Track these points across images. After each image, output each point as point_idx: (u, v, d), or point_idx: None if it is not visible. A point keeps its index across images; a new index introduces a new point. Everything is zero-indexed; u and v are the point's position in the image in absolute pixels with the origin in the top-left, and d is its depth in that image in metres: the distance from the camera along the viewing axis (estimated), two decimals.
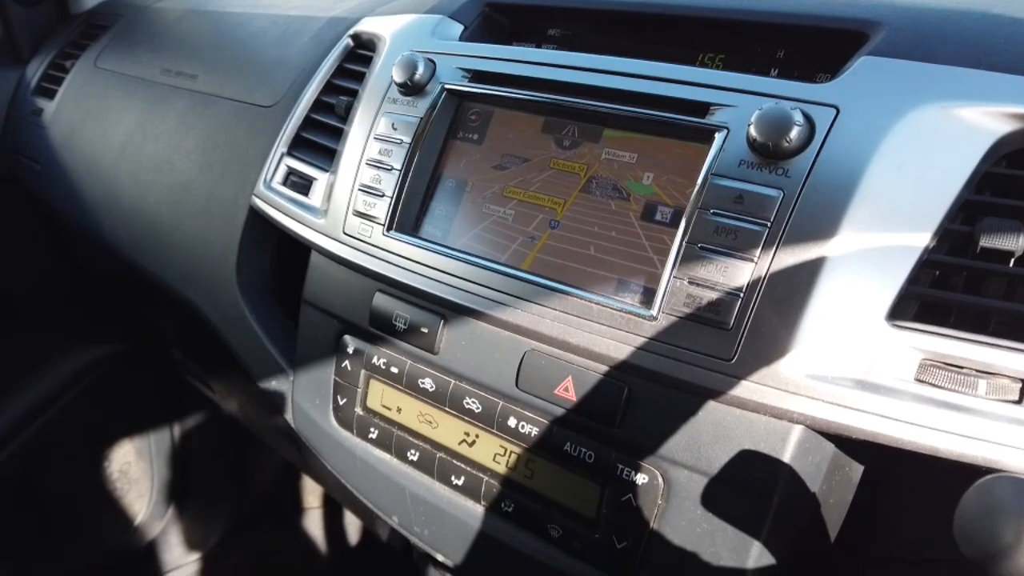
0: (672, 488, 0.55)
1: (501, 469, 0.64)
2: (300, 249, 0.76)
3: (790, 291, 0.49)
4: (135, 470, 1.68)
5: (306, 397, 0.77)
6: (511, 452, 0.63)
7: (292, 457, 1.13)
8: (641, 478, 0.56)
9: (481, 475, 0.65)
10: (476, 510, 0.65)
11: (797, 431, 0.50)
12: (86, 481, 1.59)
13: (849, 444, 0.51)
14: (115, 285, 1.37)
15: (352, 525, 1.81)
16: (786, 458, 0.50)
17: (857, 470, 0.56)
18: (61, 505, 1.55)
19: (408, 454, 0.69)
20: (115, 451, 1.63)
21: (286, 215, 0.77)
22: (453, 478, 0.66)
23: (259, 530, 1.81)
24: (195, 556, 1.77)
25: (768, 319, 0.49)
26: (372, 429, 0.71)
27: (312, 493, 1.86)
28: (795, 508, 0.53)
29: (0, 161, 1.27)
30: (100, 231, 1.04)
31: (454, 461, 0.66)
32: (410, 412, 0.69)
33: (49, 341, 1.49)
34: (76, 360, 1.52)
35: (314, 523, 1.82)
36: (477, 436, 0.65)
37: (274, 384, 0.83)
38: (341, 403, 0.73)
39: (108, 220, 1.03)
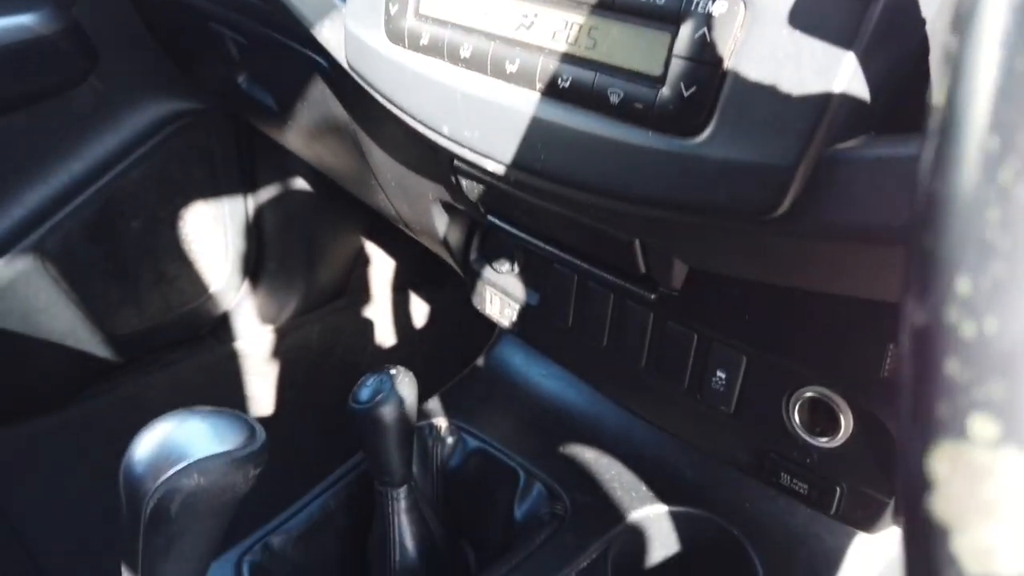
0: (754, 10, 0.48)
1: (560, 46, 0.58)
2: None
3: None
4: (211, 237, 1.71)
5: (359, 20, 0.72)
6: (572, 24, 0.57)
7: (350, 170, 1.09)
8: (719, 7, 0.49)
9: (537, 56, 0.59)
10: (531, 96, 0.60)
11: None
12: (163, 239, 1.63)
13: None
14: (184, 27, 1.35)
15: (419, 311, 1.82)
16: None
17: None
18: (137, 258, 1.60)
19: (460, 52, 0.63)
20: (191, 213, 1.66)
21: None
22: (507, 65, 0.60)
23: (330, 311, 1.84)
24: (268, 328, 1.81)
25: None
26: (423, 35, 0.66)
27: (382, 280, 1.87)
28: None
29: None
30: None
31: (509, 48, 0.60)
32: (463, 6, 0.63)
33: (124, 92, 1.50)
34: (153, 112, 1.53)
35: (383, 307, 1.84)
36: (536, 15, 0.59)
37: (327, 25, 0.78)
38: (393, 13, 0.68)
39: None
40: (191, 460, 0.47)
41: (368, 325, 1.84)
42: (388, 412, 0.69)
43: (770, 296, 0.56)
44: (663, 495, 0.75)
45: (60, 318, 1.49)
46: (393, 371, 0.72)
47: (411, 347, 1.79)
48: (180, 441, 0.48)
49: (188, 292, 1.71)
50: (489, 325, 0.99)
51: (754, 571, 0.70)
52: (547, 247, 0.71)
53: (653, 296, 0.63)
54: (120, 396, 1.57)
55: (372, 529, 0.75)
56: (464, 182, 0.70)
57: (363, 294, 1.89)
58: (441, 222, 0.87)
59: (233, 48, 1.19)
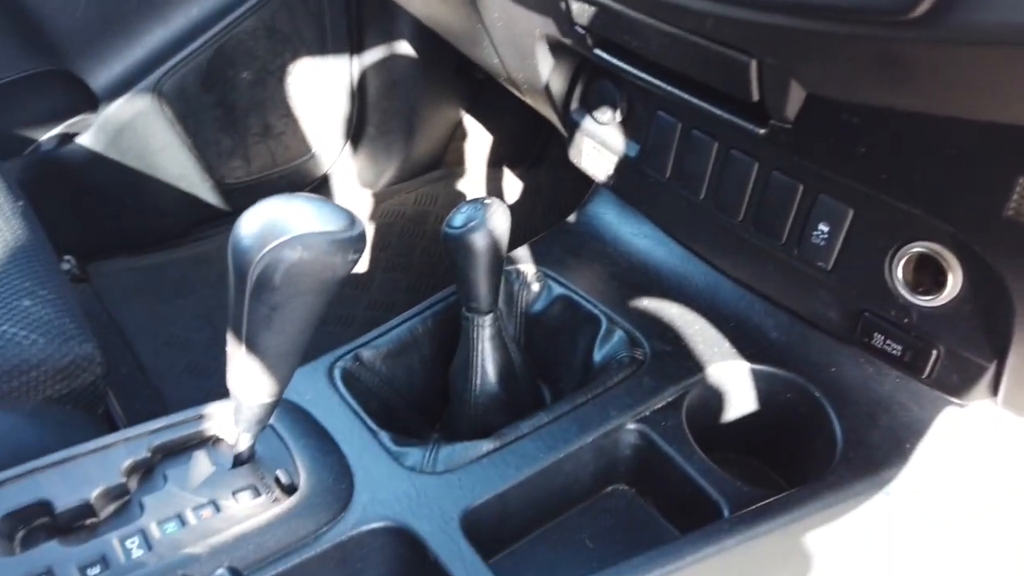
0: None
1: None
2: None
3: None
4: (317, 96, 1.74)
5: None
6: None
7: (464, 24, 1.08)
8: None
9: None
10: None
11: None
12: (271, 92, 1.67)
13: None
14: None
15: (512, 187, 1.82)
16: None
17: None
18: (246, 110, 1.65)
19: None
20: (299, 69, 1.68)
21: None
22: None
23: (426, 180, 1.87)
24: (366, 192, 1.85)
25: None
26: None
27: (478, 155, 1.88)
28: None
29: None
30: None
31: None
32: None
33: None
34: None
35: (477, 181, 1.85)
36: None
37: None
38: None
39: None
40: (295, 234, 0.50)
41: (461, 197, 1.85)
42: (479, 239, 0.70)
43: (889, 128, 0.52)
44: (745, 353, 0.75)
45: (175, 161, 1.57)
46: (488, 201, 0.73)
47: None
48: (286, 218, 0.51)
49: (293, 149, 1.76)
50: (582, 197, 0.98)
51: (832, 436, 0.70)
52: (655, 81, 0.69)
53: (763, 131, 0.60)
54: (225, 242, 1.65)
55: (456, 354, 0.78)
56: (574, 5, 0.67)
57: (459, 167, 1.90)
58: (545, 65, 0.86)
59: None
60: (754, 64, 0.54)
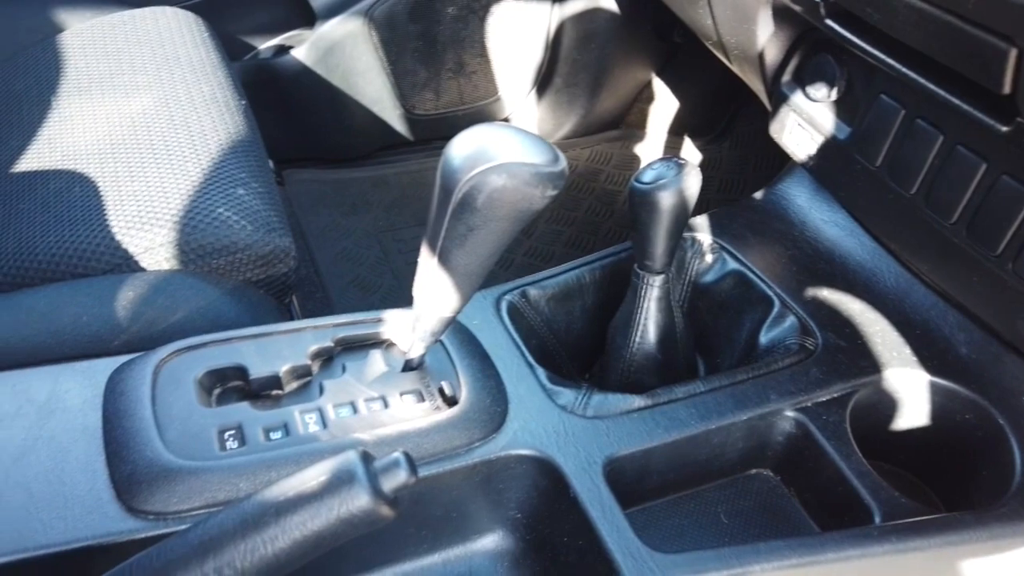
0: None
1: None
2: None
3: None
4: (512, 40, 1.76)
5: None
6: None
7: None
8: None
9: None
10: None
11: None
12: (471, 30, 1.71)
13: None
14: None
15: (690, 158, 1.78)
16: None
17: None
18: (445, 44, 1.70)
19: None
20: (500, 10, 1.71)
21: None
22: None
23: (603, 139, 1.86)
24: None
25: None
26: None
27: (661, 120, 1.84)
28: None
29: None
30: None
31: None
32: None
33: None
34: None
35: (655, 147, 1.82)
36: None
37: None
38: None
39: None
40: (502, 162, 0.51)
41: (636, 161, 1.83)
42: (665, 197, 0.69)
43: None
44: (928, 364, 0.70)
45: (372, 85, 1.65)
46: (681, 162, 0.72)
47: None
48: (496, 145, 0.52)
49: (481, 89, 1.80)
50: (763, 178, 0.94)
51: (1008, 466, 0.65)
52: (888, 59, 0.65)
53: (1005, 129, 0.56)
54: (408, 169, 1.73)
55: (620, 309, 0.78)
56: None
57: (639, 130, 1.88)
58: (764, 32, 0.82)
59: None
60: (1014, 53, 0.49)
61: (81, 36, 1.11)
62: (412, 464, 0.42)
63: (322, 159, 1.70)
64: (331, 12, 1.58)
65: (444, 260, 0.56)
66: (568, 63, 1.79)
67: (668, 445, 0.64)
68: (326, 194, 1.64)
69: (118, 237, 0.79)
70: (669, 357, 0.77)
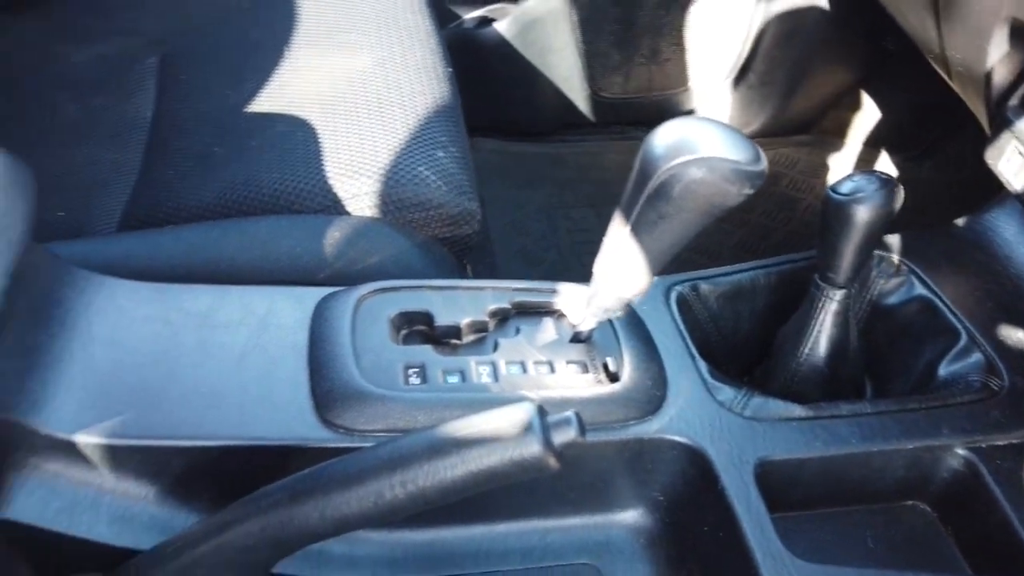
0: None
1: None
2: None
3: None
4: (713, 31, 1.73)
5: None
6: None
7: None
8: None
9: None
10: None
11: None
12: (671, 19, 1.70)
13: None
14: None
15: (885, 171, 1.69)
16: None
17: None
18: (643, 30, 1.70)
19: None
20: (706, 1, 1.69)
21: None
22: None
23: (791, 142, 1.80)
24: None
25: None
26: None
27: (858, 130, 1.76)
28: None
29: None
30: None
31: None
32: None
33: None
34: None
35: (847, 157, 1.74)
36: None
37: None
38: None
39: None
40: (703, 156, 0.53)
41: (823, 169, 1.76)
42: (863, 211, 0.68)
43: None
44: None
45: (565, 63, 1.69)
46: (885, 177, 0.70)
47: None
48: (699, 138, 0.54)
49: (671, 78, 1.79)
50: (962, 206, 0.89)
51: None
52: None
53: None
54: (587, 150, 1.76)
55: (794, 317, 0.77)
56: None
57: (832, 137, 1.80)
58: (996, 51, 0.77)
59: None
60: None
61: (295, 2, 1.21)
62: (582, 425, 0.45)
63: (506, 131, 1.76)
64: None
65: (631, 243, 0.58)
66: (766, 60, 1.74)
67: (824, 459, 0.64)
68: (506, 165, 1.70)
69: (331, 182, 0.88)
70: (837, 373, 0.76)
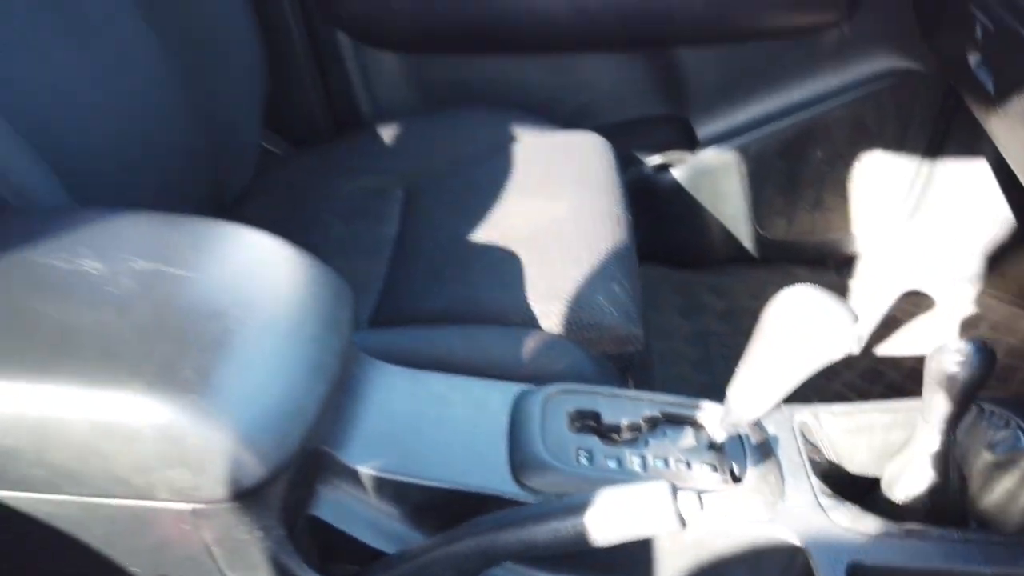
0: None
1: None
2: None
3: None
4: (880, 185, 1.88)
5: None
6: None
7: None
8: None
9: None
10: None
11: None
12: (835, 173, 1.87)
13: None
14: None
15: None
16: None
17: None
18: (809, 181, 1.88)
19: None
20: (869, 158, 1.85)
21: None
22: None
23: None
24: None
25: None
26: None
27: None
28: None
29: None
30: None
31: None
32: None
33: (864, 41, 1.72)
34: (878, 64, 1.73)
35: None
36: None
37: None
38: None
39: None
40: (817, 314, 0.73)
41: (981, 320, 1.82)
42: (956, 374, 0.82)
43: None
44: None
45: (732, 205, 1.90)
46: (981, 345, 0.84)
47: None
48: (810, 303, 0.74)
49: (833, 224, 1.95)
50: None
51: None
52: None
53: None
54: (747, 283, 1.93)
55: (902, 452, 0.91)
56: None
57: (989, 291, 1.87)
58: None
59: (979, 30, 1.30)
60: None
61: (526, 147, 1.53)
62: (701, 502, 0.65)
63: (675, 260, 1.98)
64: (711, 142, 1.87)
65: (756, 375, 0.78)
66: (930, 211, 1.86)
67: (907, 570, 0.78)
68: (671, 292, 1.92)
69: (529, 302, 1.14)
70: (936, 507, 0.88)
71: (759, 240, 1.96)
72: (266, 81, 1.57)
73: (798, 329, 0.73)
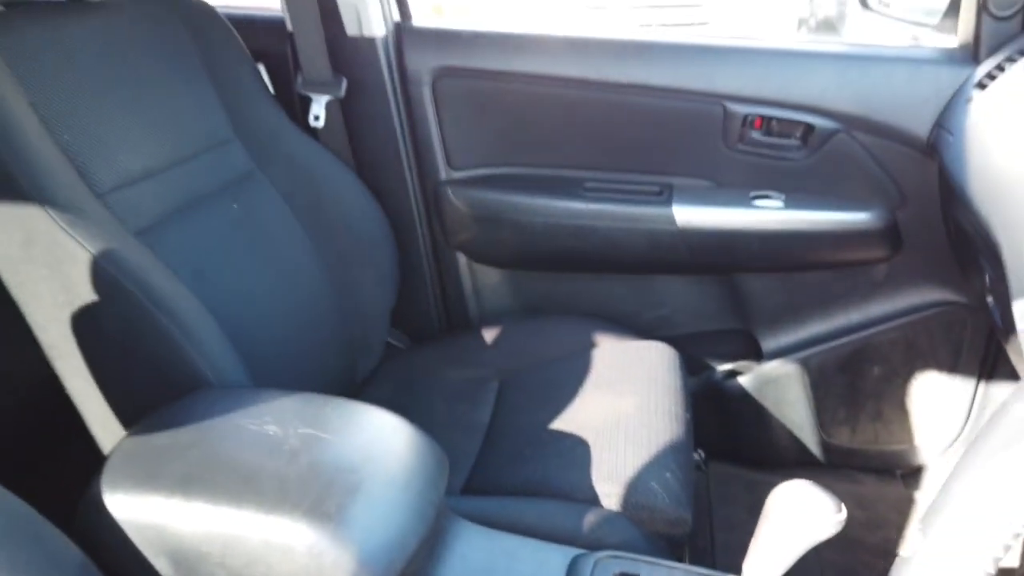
0: None
1: None
2: None
3: None
4: (933, 401, 2.01)
5: None
6: None
7: None
8: None
9: None
10: None
11: None
12: (892, 387, 2.03)
13: None
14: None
15: None
16: None
17: None
18: (867, 394, 2.04)
19: None
20: (924, 377, 2.01)
21: None
22: None
23: None
24: None
25: None
26: None
27: None
28: None
29: (934, 133, 1.74)
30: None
31: None
32: None
33: (911, 271, 1.94)
34: (926, 294, 1.94)
35: None
36: None
37: None
38: None
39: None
40: (810, 507, 0.93)
41: None
42: None
43: None
44: None
45: (798, 412, 2.07)
46: None
47: None
48: (804, 496, 0.94)
49: (895, 435, 2.08)
50: None
51: None
52: None
53: None
54: (823, 484, 2.05)
55: None
56: None
57: None
58: None
59: (990, 274, 1.52)
60: None
61: (603, 352, 1.80)
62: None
63: (742, 460, 2.14)
64: (776, 355, 2.07)
65: (763, 550, 0.97)
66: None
67: None
68: (737, 490, 2.06)
69: (593, 482, 1.36)
70: None
71: (825, 446, 2.10)
72: (396, 288, 1.96)
73: (792, 514, 0.94)
